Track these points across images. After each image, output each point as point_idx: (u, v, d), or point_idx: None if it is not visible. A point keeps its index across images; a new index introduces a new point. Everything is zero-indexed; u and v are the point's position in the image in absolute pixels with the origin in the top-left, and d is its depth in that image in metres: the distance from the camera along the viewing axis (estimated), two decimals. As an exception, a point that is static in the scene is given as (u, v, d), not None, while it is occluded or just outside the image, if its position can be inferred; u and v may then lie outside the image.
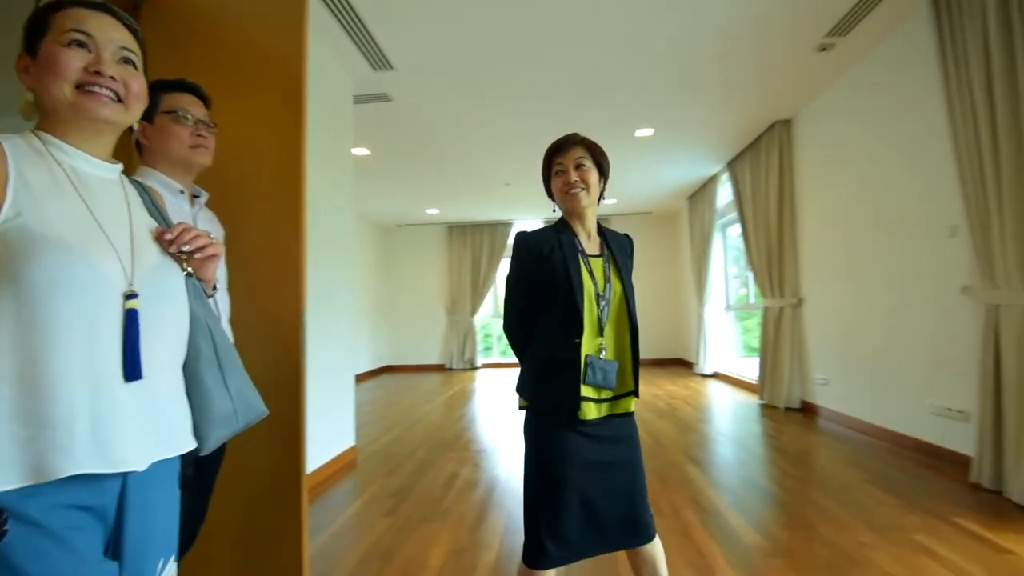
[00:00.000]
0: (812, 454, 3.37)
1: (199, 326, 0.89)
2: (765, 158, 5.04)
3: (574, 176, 1.36)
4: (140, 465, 0.74)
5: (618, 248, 1.44)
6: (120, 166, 0.87)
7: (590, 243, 1.41)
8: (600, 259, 1.39)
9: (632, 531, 1.33)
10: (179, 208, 1.27)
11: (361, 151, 5.25)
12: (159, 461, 0.79)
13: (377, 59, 3.50)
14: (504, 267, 9.36)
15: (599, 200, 1.44)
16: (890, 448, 3.39)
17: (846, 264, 4.07)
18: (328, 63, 3.38)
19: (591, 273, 1.34)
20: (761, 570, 1.88)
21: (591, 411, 1.30)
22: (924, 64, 3.02)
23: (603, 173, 1.42)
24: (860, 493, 2.61)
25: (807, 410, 4.66)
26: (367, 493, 2.88)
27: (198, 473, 1.25)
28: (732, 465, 3.19)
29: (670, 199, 7.91)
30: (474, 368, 9.10)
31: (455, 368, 9.10)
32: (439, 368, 9.29)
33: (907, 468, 2.97)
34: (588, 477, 1.28)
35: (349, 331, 3.73)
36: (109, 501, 0.74)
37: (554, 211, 1.49)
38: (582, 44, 3.40)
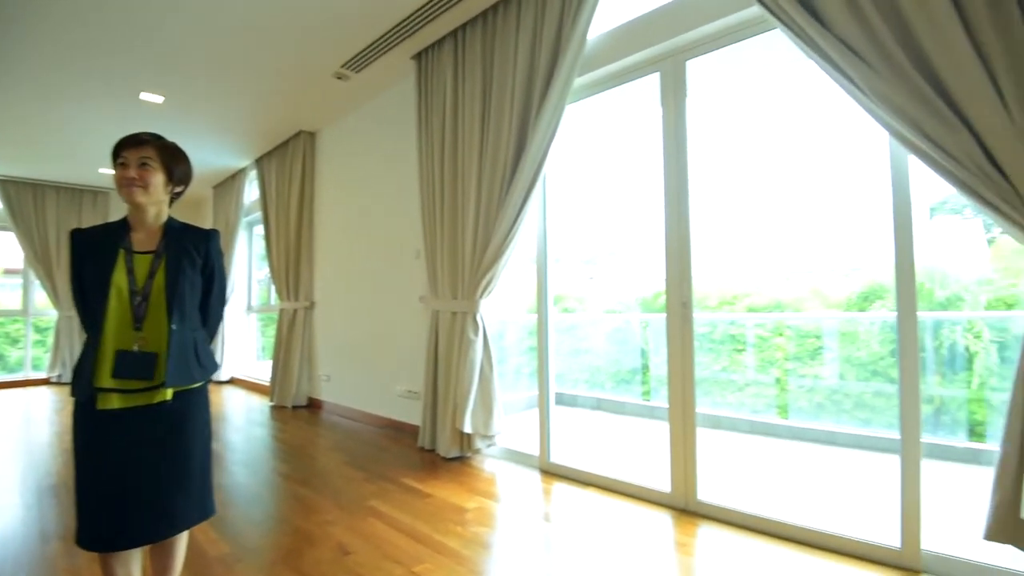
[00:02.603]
0: (307, 447, 3.60)
1: None
2: (291, 163, 5.16)
3: (133, 173, 1.36)
4: None
5: (180, 245, 1.44)
6: None
7: (146, 241, 1.42)
8: (149, 256, 1.39)
9: (159, 519, 1.34)
10: None
11: None
12: None
13: None
14: None
15: (172, 201, 1.49)
16: (373, 429, 4.02)
17: (348, 272, 4.62)
18: None
19: (131, 270, 1.35)
20: (220, 582, 1.81)
21: (115, 401, 1.31)
22: (412, 114, 3.79)
23: (174, 178, 1.45)
24: (336, 475, 2.95)
25: (313, 406, 5.00)
26: None
27: None
28: (226, 476, 3.02)
29: (193, 184, 6.99)
30: None
31: None
32: None
33: (380, 444, 3.59)
34: (116, 464, 1.31)
35: None
36: None
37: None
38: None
